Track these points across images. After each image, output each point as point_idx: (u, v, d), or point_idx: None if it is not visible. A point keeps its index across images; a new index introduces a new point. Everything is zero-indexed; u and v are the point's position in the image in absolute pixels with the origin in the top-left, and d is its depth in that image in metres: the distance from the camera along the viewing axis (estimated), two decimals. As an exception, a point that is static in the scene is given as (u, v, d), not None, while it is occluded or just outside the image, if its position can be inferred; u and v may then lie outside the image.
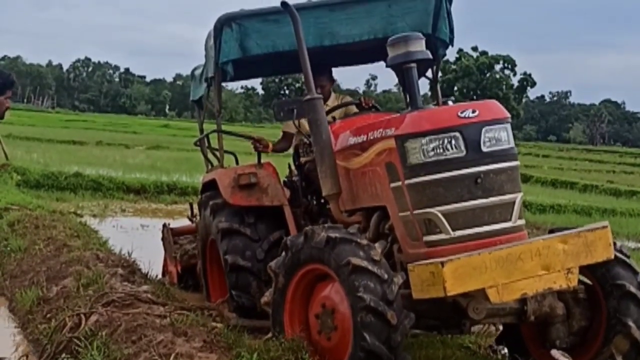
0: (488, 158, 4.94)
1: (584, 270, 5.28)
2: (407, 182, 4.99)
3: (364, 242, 4.84)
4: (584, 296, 5.32)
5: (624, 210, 20.55)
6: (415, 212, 4.97)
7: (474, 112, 4.98)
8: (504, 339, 5.95)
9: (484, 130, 4.95)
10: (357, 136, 5.61)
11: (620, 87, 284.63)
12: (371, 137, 5.38)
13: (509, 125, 5.13)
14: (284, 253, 5.23)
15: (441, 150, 4.91)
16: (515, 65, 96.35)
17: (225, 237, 6.46)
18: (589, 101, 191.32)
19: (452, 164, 4.90)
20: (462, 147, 4.91)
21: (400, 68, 5.29)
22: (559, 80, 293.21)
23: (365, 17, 6.69)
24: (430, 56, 5.37)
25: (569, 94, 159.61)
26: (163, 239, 8.78)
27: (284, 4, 5.88)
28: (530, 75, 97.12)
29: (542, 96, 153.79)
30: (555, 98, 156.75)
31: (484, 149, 4.94)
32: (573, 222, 15.02)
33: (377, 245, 4.93)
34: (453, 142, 4.91)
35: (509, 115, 5.19)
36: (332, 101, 7.14)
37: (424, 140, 4.92)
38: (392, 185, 5.13)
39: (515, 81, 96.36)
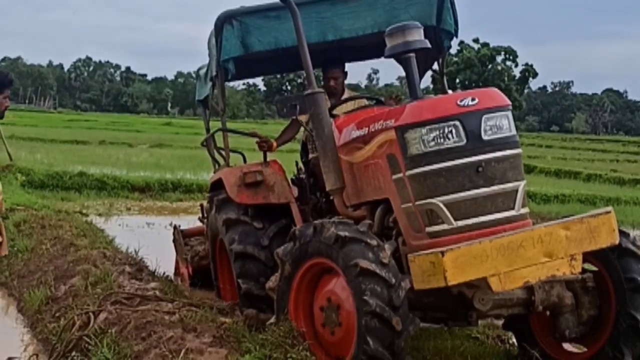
0: (489, 146, 4.88)
1: (591, 258, 5.29)
2: (408, 173, 4.95)
3: (374, 242, 4.76)
4: (593, 285, 5.28)
5: (628, 198, 20.55)
6: (417, 203, 4.92)
7: (473, 100, 4.91)
8: (512, 328, 5.94)
9: (484, 118, 4.89)
10: (359, 129, 5.58)
11: (622, 76, 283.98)
12: (372, 130, 5.34)
13: (509, 113, 5.05)
14: (291, 242, 5.20)
15: (441, 140, 4.84)
16: (517, 57, 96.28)
17: (229, 228, 6.43)
18: (591, 91, 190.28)
19: (453, 153, 4.84)
20: (463, 136, 4.84)
21: (399, 58, 5.27)
22: (560, 71, 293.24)
23: (367, 11, 6.66)
24: (429, 45, 5.30)
25: (570, 84, 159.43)
26: (174, 240, 8.80)
27: None
28: (531, 66, 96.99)
29: (544, 87, 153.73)
30: (557, 88, 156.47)
31: (485, 137, 4.88)
32: (577, 211, 14.97)
33: (386, 246, 4.84)
34: (453, 131, 4.84)
35: (509, 102, 5.11)
36: (346, 96, 7.07)
37: (423, 130, 4.87)
38: (394, 177, 5.09)
39: (517, 72, 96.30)
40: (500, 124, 4.95)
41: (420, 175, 4.90)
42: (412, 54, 5.23)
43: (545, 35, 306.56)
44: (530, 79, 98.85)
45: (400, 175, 5.02)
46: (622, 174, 31.14)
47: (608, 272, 5.27)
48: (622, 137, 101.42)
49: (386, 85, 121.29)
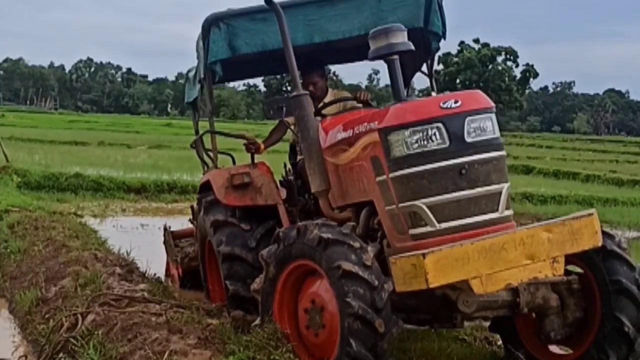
0: (472, 148, 4.89)
1: (576, 261, 5.30)
2: (391, 175, 4.95)
3: (357, 244, 4.77)
4: (578, 287, 5.29)
5: (626, 199, 20.51)
6: (401, 205, 4.93)
7: (456, 102, 4.91)
8: (498, 329, 5.94)
9: (467, 120, 4.89)
10: (344, 131, 5.58)
11: (624, 77, 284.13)
12: (357, 132, 5.35)
13: (493, 115, 5.06)
14: (275, 244, 5.20)
15: (424, 142, 4.85)
16: (518, 57, 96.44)
17: (217, 229, 6.45)
18: (593, 91, 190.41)
19: (436, 156, 4.85)
20: (446, 138, 4.85)
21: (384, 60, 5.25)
22: (562, 71, 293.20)
23: (355, 13, 6.67)
24: (412, 47, 5.27)
25: (572, 84, 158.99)
26: (164, 242, 8.81)
27: (267, 1, 5.85)
28: (532, 66, 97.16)
29: (546, 87, 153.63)
30: (558, 89, 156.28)
31: (468, 139, 4.88)
32: (574, 212, 14.97)
33: (369, 248, 4.84)
34: (436, 133, 4.84)
35: (493, 104, 5.12)
36: (329, 98, 7.09)
37: (406, 132, 4.87)
38: (378, 179, 5.09)
39: (517, 72, 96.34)
40: (483, 126, 4.95)
41: (403, 177, 4.90)
42: (396, 56, 5.23)
43: (546, 35, 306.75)
44: (531, 79, 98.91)
45: (384, 177, 5.03)
46: (621, 174, 31.07)
47: (593, 274, 5.28)
48: (623, 137, 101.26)
49: (387, 85, 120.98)
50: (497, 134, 5.06)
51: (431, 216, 4.84)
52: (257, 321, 5.32)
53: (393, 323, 4.65)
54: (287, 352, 4.93)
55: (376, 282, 4.61)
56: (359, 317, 4.54)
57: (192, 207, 8.54)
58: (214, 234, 6.48)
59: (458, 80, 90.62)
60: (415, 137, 4.86)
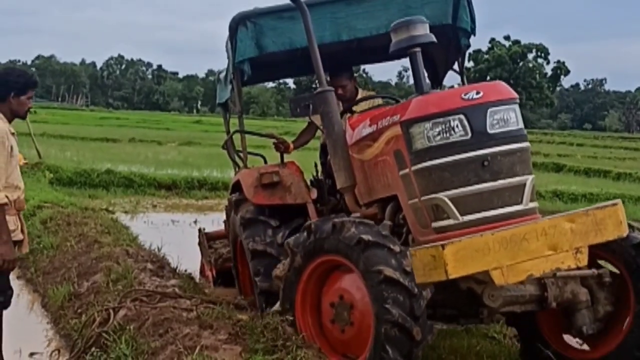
0: (495, 140, 4.82)
1: (610, 257, 5.23)
2: (413, 168, 4.91)
3: (397, 248, 4.75)
4: (609, 280, 5.16)
5: (658, 197, 20.26)
6: (423, 198, 4.87)
7: (478, 93, 4.84)
8: (515, 324, 5.85)
9: (489, 111, 4.82)
10: (369, 127, 5.56)
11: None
12: (380, 126, 5.32)
13: (516, 106, 4.98)
14: (305, 234, 5.19)
15: (446, 134, 4.79)
16: (549, 54, 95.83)
17: (246, 227, 6.47)
18: (625, 88, 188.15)
19: (457, 148, 4.79)
20: (468, 130, 4.78)
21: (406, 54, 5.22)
22: (593, 68, 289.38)
23: (382, 10, 6.65)
24: (434, 39, 5.21)
25: (604, 81, 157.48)
26: (199, 243, 8.88)
27: None
28: (563, 63, 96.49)
29: (577, 84, 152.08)
30: (590, 86, 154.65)
31: (490, 130, 4.81)
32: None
33: (408, 253, 4.70)
34: (458, 124, 4.78)
35: (516, 95, 5.04)
36: (360, 97, 7.07)
37: (428, 125, 4.82)
38: (401, 172, 5.05)
39: (548, 70, 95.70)
40: (506, 118, 4.88)
41: (425, 170, 4.86)
42: (418, 49, 5.18)
43: (578, 32, 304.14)
44: (562, 76, 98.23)
45: (407, 170, 4.99)
46: (653, 172, 30.68)
47: (628, 271, 5.16)
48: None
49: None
50: (521, 125, 4.98)
51: (454, 209, 4.79)
52: (277, 307, 5.35)
53: (428, 330, 4.67)
54: (298, 348, 4.92)
55: (415, 290, 4.60)
56: (398, 324, 4.54)
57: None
58: (244, 232, 6.50)
59: (488, 78, 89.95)
60: (436, 129, 4.81)
